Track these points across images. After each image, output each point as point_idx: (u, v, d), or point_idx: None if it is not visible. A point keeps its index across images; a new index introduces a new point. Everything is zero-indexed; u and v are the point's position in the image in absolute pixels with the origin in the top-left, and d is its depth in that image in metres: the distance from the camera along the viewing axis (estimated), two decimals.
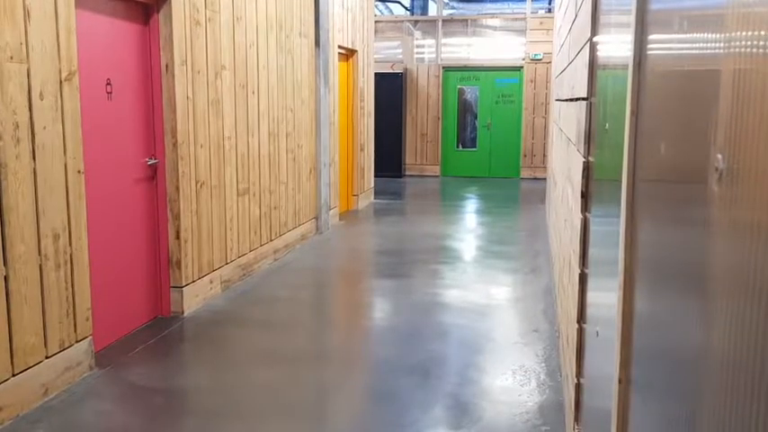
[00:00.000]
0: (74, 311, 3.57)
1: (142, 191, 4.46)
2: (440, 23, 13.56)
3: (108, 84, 4.04)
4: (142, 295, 4.48)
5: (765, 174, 0.64)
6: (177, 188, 4.61)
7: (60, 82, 3.42)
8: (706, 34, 0.89)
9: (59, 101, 3.42)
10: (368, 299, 5.27)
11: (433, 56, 13.49)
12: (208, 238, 5.06)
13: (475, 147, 13.31)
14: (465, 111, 13.42)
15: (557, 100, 5.96)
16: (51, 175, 3.38)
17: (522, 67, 12.71)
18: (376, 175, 10.43)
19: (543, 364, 3.90)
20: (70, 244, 3.53)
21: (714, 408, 0.81)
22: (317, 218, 7.54)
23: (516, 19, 13.21)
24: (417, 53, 13.59)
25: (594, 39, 2.48)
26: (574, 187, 3.02)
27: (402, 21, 14.63)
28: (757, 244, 0.66)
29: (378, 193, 10.35)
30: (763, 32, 0.65)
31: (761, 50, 0.65)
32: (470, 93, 13.28)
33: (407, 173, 13.34)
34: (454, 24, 13.69)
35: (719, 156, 0.78)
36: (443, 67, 13.29)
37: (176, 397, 3.53)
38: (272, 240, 6.26)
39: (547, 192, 8.50)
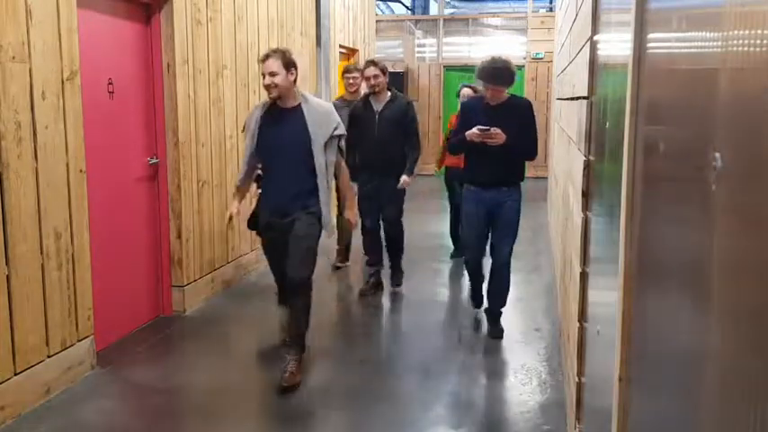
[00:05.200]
0: (75, 311, 3.57)
1: (144, 190, 4.47)
2: (441, 22, 13.56)
3: (110, 83, 4.04)
4: (143, 294, 4.48)
5: (762, 172, 0.64)
6: (179, 187, 4.61)
7: (62, 81, 3.43)
8: (704, 33, 0.89)
9: (61, 100, 3.43)
10: (368, 297, 5.27)
11: (435, 55, 13.49)
12: (209, 238, 5.07)
13: None
14: None
15: (558, 99, 5.96)
16: (53, 175, 3.39)
17: (523, 66, 12.69)
18: None
19: (544, 363, 3.90)
20: (72, 243, 3.54)
21: (713, 406, 0.82)
22: None
23: (517, 18, 13.21)
24: (418, 52, 13.59)
25: (595, 38, 2.48)
26: (575, 186, 3.02)
27: (403, 20, 14.63)
28: (755, 242, 0.66)
29: None
30: (760, 31, 0.65)
31: (758, 49, 0.66)
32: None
33: None
34: (455, 23, 13.69)
35: (717, 154, 0.78)
36: (444, 67, 13.28)
37: (178, 396, 3.53)
38: None
39: (548, 190, 8.50)
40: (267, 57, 3.62)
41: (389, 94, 5.03)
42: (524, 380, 3.68)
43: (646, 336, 1.27)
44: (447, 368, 3.84)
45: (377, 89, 4.96)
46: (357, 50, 9.01)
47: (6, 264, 3.10)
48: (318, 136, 3.64)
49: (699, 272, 0.89)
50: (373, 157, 4.96)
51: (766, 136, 0.64)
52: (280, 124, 3.69)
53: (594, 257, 2.33)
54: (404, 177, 4.95)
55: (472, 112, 4.34)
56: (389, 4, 17.50)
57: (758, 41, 0.65)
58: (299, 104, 3.68)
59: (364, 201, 5.05)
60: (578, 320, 2.59)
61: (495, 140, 4.09)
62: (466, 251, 4.59)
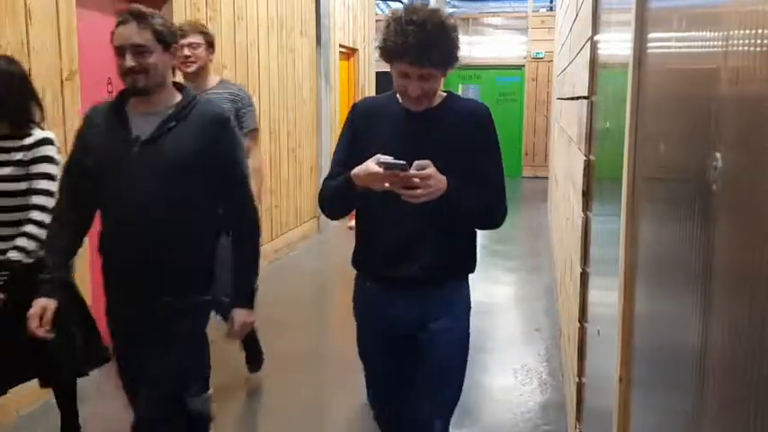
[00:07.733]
0: None
1: None
2: None
3: (109, 83, 4.04)
4: None
5: (763, 172, 0.64)
6: None
7: (62, 81, 3.43)
8: (705, 33, 0.89)
9: (61, 100, 3.43)
10: None
11: None
12: None
13: None
14: None
15: (558, 99, 5.96)
16: None
17: (523, 65, 12.70)
18: None
19: (545, 364, 3.90)
20: None
21: (714, 406, 0.81)
22: (317, 217, 7.54)
23: (518, 17, 13.20)
24: None
25: (595, 37, 2.47)
26: (575, 186, 3.02)
27: None
28: (755, 242, 0.66)
29: None
30: (760, 31, 0.65)
31: (758, 49, 0.65)
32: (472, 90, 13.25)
33: None
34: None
35: (718, 154, 0.78)
36: None
37: None
38: (272, 240, 6.26)
39: (548, 190, 8.50)
40: None
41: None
42: (524, 380, 3.68)
43: (646, 336, 1.27)
44: None
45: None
46: (357, 50, 9.01)
47: None
48: None
49: (699, 272, 0.88)
50: (129, 250, 2.20)
51: (766, 136, 0.63)
52: None
53: (594, 257, 2.33)
54: (236, 313, 2.23)
55: (371, 125, 2.02)
56: (389, 3, 17.51)
57: (758, 41, 0.65)
58: None
59: (124, 360, 2.31)
60: (578, 320, 2.59)
61: (424, 193, 1.81)
62: (372, 406, 2.33)
